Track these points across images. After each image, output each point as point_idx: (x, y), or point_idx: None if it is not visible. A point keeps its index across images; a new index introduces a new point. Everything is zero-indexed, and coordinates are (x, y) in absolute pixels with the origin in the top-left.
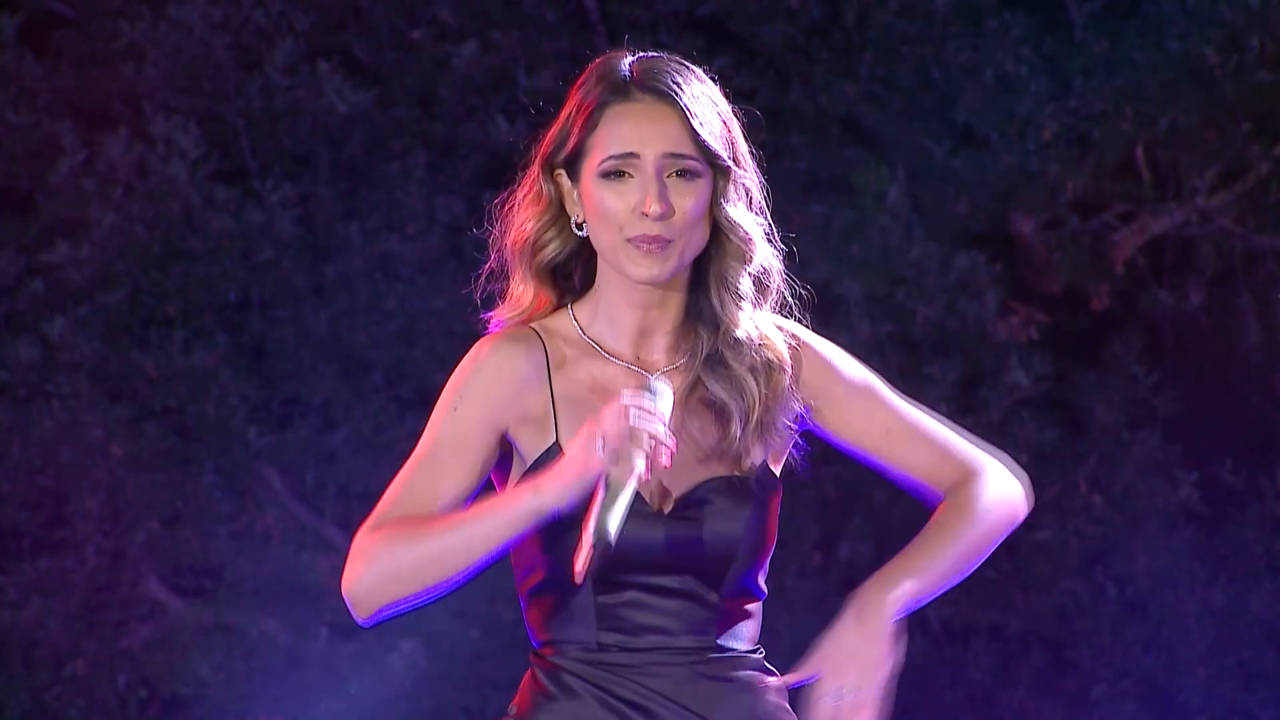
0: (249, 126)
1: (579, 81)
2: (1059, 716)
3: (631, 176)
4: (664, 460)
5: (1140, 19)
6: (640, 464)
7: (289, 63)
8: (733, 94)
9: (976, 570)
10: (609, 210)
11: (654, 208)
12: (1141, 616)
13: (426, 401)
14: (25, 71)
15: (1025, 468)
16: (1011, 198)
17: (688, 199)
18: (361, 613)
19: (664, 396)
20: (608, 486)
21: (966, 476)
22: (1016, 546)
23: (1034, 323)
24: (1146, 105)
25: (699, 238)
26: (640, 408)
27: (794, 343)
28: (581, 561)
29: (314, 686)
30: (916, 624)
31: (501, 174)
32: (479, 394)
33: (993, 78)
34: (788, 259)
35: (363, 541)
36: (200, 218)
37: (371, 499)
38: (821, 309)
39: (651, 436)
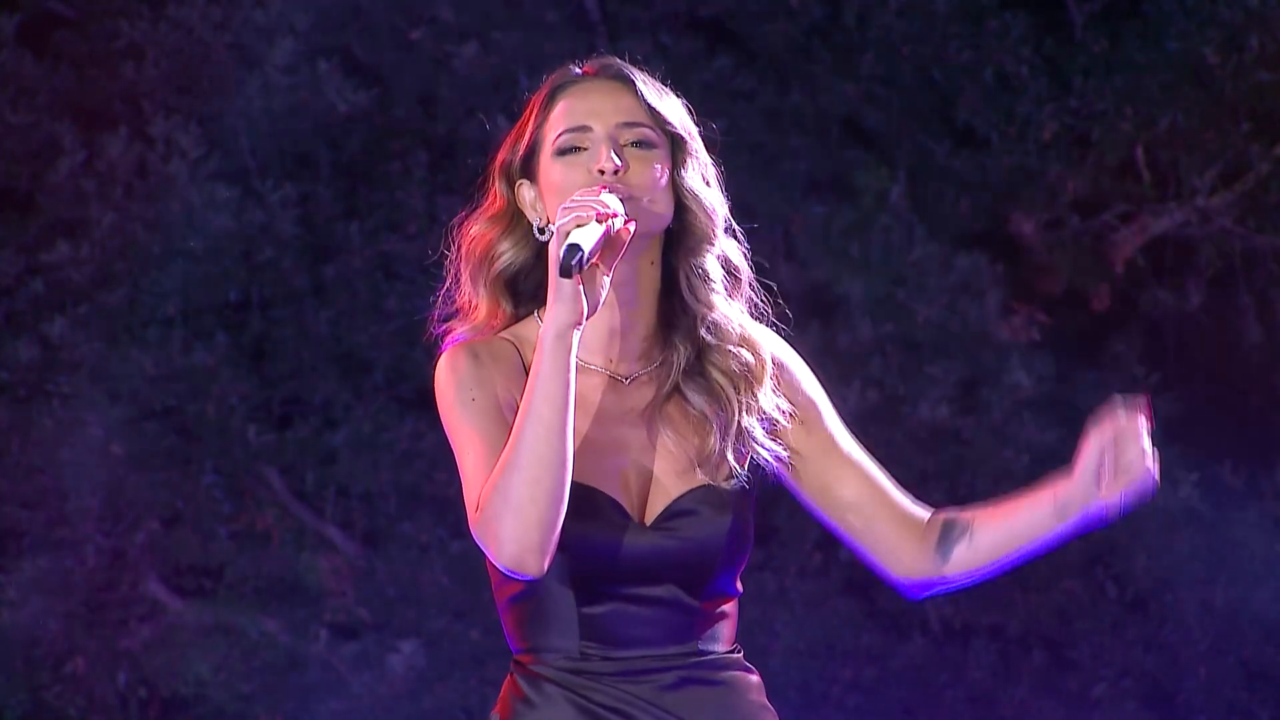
0: (249, 126)
1: (534, 95)
2: (1059, 716)
3: (585, 149)
4: (627, 228)
5: (1140, 19)
6: (592, 215)
7: (289, 62)
8: (733, 95)
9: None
10: (566, 182)
11: (607, 163)
12: (1142, 616)
13: (427, 402)
14: (25, 71)
15: (1026, 468)
16: (1012, 198)
17: (644, 165)
18: (531, 562)
19: (607, 193)
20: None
21: (932, 515)
22: None
23: (1035, 323)
24: (1146, 105)
25: (663, 205)
26: (580, 194)
27: (781, 354)
28: (555, 266)
29: (314, 687)
30: (916, 624)
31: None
32: (481, 377)
33: (993, 78)
34: (788, 258)
35: (479, 520)
36: (200, 217)
37: (371, 499)
38: (823, 309)
39: (598, 203)
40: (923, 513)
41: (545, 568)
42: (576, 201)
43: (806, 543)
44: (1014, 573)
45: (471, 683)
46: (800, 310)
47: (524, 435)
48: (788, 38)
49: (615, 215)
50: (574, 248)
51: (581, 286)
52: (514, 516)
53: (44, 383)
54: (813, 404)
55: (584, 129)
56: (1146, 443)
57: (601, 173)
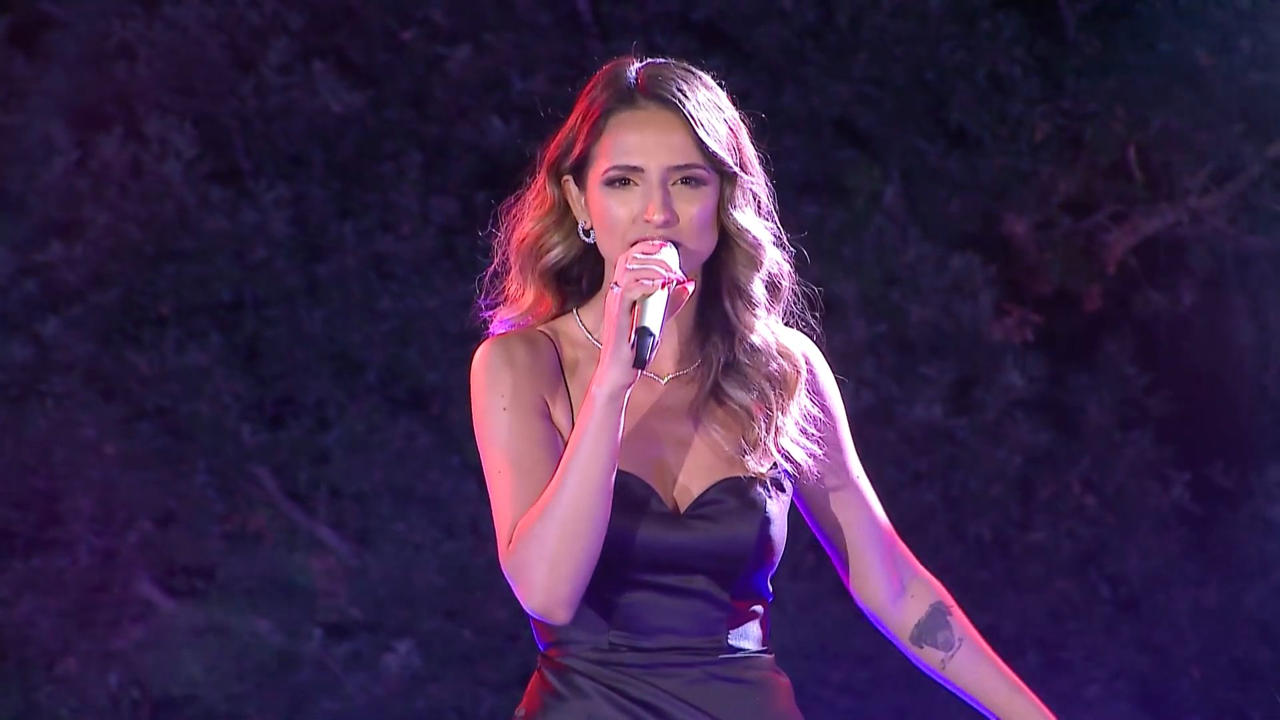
0: (243, 126)
1: (587, 88)
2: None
3: (636, 185)
4: (685, 288)
5: (1132, 20)
6: (658, 283)
7: (283, 63)
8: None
9: (970, 571)
10: (613, 218)
11: (657, 216)
12: (1134, 617)
13: (420, 402)
14: (17, 72)
15: (1019, 469)
16: (1004, 198)
17: (693, 206)
18: (559, 613)
19: (667, 249)
20: (639, 305)
21: (931, 584)
22: (1009, 547)
23: (1028, 324)
24: (1138, 106)
25: (707, 243)
26: (642, 253)
27: (812, 355)
28: (631, 348)
29: (306, 687)
30: None
31: (495, 175)
32: (516, 383)
33: (985, 78)
34: (790, 261)
35: (511, 560)
36: (194, 218)
37: (364, 499)
38: (816, 310)
39: (661, 265)
40: (910, 561)
41: (569, 619)
42: (639, 264)
43: (798, 544)
44: (1007, 573)
45: (464, 682)
46: (807, 311)
47: (566, 487)
48: (780, 39)
49: (676, 279)
50: (646, 336)
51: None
52: (548, 568)
53: (37, 383)
54: (833, 419)
55: (634, 168)
56: None
57: (650, 223)
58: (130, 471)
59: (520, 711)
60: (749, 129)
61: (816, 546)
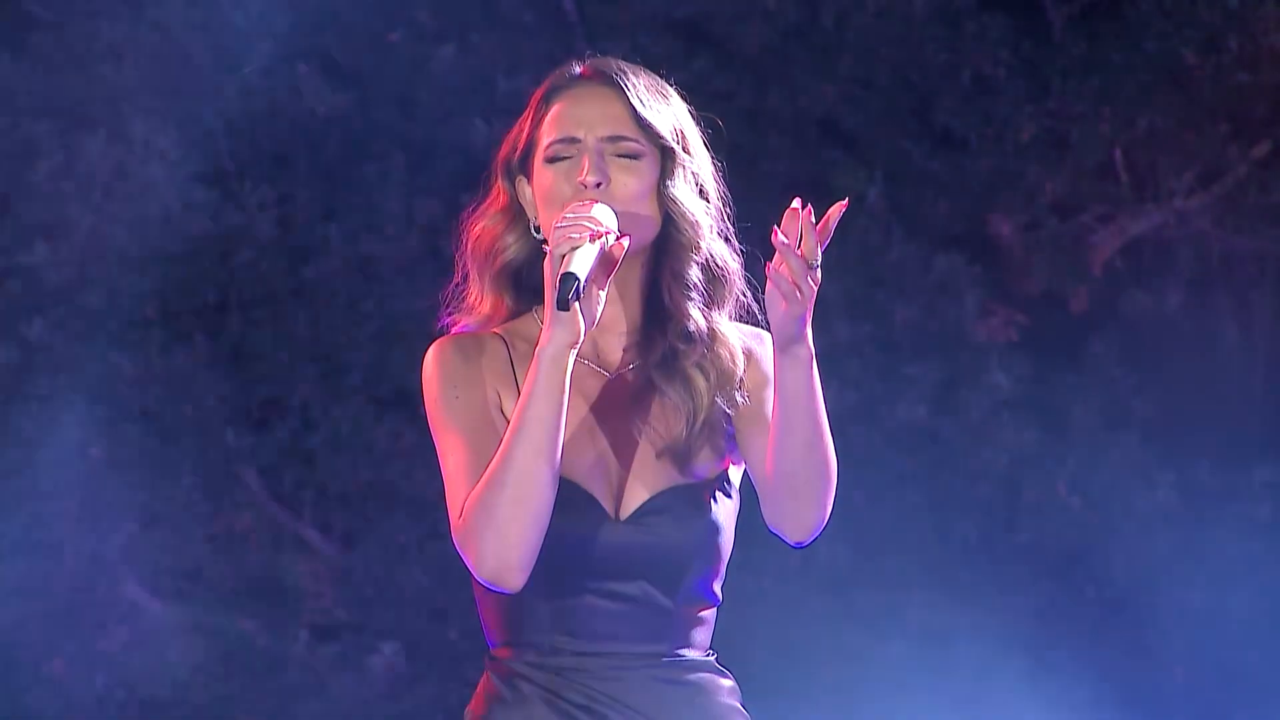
0: (227, 128)
1: (535, 91)
2: (1039, 718)
3: (573, 158)
4: (620, 244)
5: (1119, 21)
6: (585, 236)
7: (268, 65)
8: (711, 96)
9: (955, 572)
10: (554, 192)
11: (590, 177)
12: (1120, 618)
13: (405, 403)
14: (2, 73)
15: (1004, 469)
16: (990, 199)
17: (628, 175)
18: (511, 579)
19: (599, 206)
20: (567, 257)
21: None
22: (995, 548)
23: (1013, 324)
24: (1125, 107)
25: (645, 218)
26: (571, 212)
27: (754, 344)
28: (551, 291)
29: (293, 688)
30: (895, 625)
31: (480, 177)
32: (465, 376)
33: (971, 79)
34: (754, 261)
35: (461, 530)
36: (179, 220)
37: (349, 500)
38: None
39: (591, 221)
40: None
41: (522, 584)
42: (569, 220)
43: (783, 546)
44: (993, 575)
45: (450, 684)
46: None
47: (512, 453)
48: (765, 39)
49: (608, 232)
50: (569, 279)
51: (579, 305)
52: (496, 534)
53: (22, 384)
54: (767, 379)
55: (572, 140)
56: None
57: (584, 186)
58: (115, 473)
59: (469, 713)
60: (703, 131)
61: (801, 550)
